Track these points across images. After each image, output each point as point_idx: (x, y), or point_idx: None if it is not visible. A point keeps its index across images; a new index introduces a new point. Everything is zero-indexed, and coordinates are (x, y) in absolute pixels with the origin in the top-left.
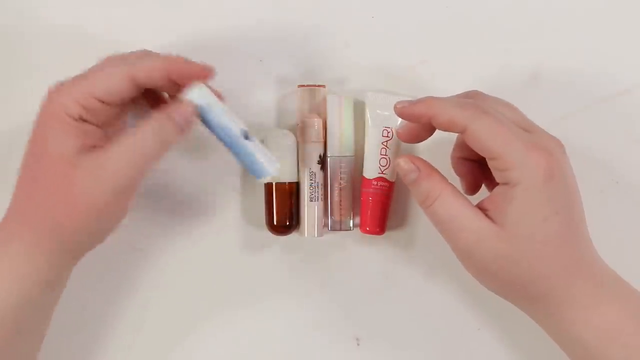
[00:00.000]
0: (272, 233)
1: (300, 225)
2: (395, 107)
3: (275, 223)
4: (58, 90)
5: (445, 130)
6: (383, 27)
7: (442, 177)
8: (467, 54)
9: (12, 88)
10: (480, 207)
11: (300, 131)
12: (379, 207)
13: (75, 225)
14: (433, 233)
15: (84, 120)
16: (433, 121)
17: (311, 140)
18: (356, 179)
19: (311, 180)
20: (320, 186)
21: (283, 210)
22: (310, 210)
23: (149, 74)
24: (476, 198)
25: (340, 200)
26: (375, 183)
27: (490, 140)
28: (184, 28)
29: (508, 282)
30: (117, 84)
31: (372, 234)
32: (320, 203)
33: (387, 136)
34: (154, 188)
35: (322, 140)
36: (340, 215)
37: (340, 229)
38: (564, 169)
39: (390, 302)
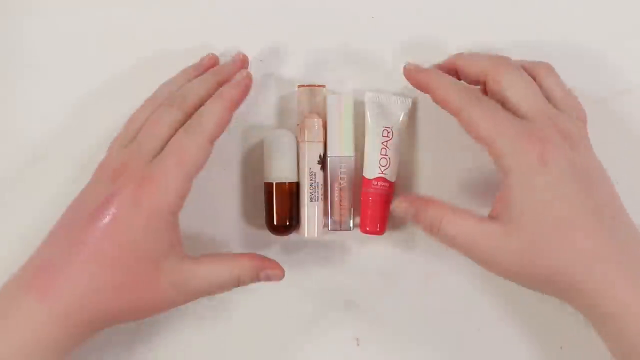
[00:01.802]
0: (272, 233)
1: (300, 226)
2: (404, 68)
3: (275, 223)
4: (154, 186)
5: (440, 106)
6: (383, 27)
7: (438, 202)
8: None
9: (12, 88)
10: (492, 212)
11: (300, 131)
12: (379, 207)
13: (133, 317)
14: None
15: (177, 214)
16: (431, 94)
17: (311, 140)
18: (356, 179)
19: (311, 180)
20: (320, 186)
21: (283, 211)
22: (310, 210)
23: (222, 128)
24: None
25: (340, 201)
26: (375, 183)
27: (480, 129)
28: (184, 28)
29: (534, 277)
30: (204, 158)
31: (372, 234)
32: (320, 203)
33: (387, 136)
34: None
35: (322, 140)
36: (340, 215)
37: (341, 229)
38: (562, 155)
39: (390, 302)
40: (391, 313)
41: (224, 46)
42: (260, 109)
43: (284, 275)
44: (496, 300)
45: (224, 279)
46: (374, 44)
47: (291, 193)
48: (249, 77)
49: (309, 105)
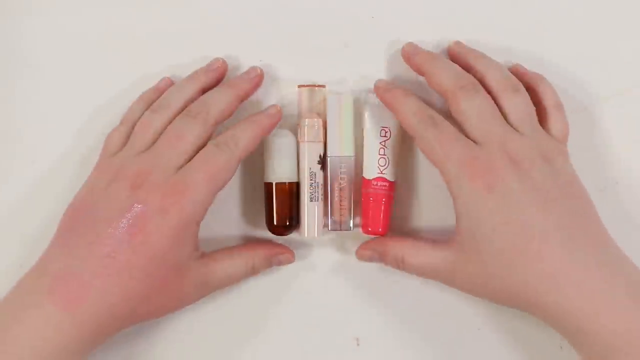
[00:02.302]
0: (272, 233)
1: (300, 226)
2: (375, 85)
3: (275, 223)
4: (181, 198)
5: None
6: (383, 27)
7: (398, 240)
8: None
9: (12, 88)
10: (452, 236)
11: (300, 131)
12: (380, 207)
13: (155, 316)
14: (433, 233)
15: (199, 222)
16: (394, 114)
17: (311, 140)
18: (356, 179)
19: (311, 180)
20: (320, 186)
21: (283, 211)
22: (310, 210)
23: (252, 149)
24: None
25: (340, 200)
26: (375, 183)
27: (432, 153)
28: (184, 28)
29: (496, 296)
30: (232, 174)
31: (374, 234)
32: (320, 203)
33: (385, 136)
34: None
35: (322, 140)
36: (341, 215)
37: (341, 229)
38: (511, 179)
39: (390, 302)
40: (391, 313)
41: (224, 46)
42: (261, 109)
43: (294, 259)
44: None
45: (240, 272)
46: (374, 44)
47: (291, 193)
48: (280, 113)
49: (309, 105)
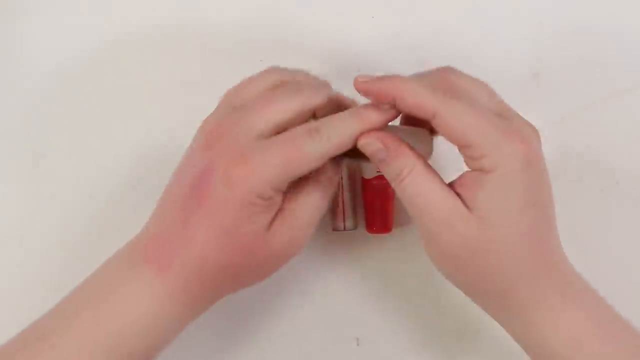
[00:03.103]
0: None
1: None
2: (355, 82)
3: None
4: (249, 174)
5: (411, 113)
6: (383, 27)
7: (413, 151)
8: (467, 54)
9: (12, 87)
10: (456, 188)
11: None
12: (382, 205)
13: (261, 279)
14: None
15: (273, 197)
16: (398, 103)
17: None
18: (357, 179)
19: None
20: None
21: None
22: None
23: (345, 149)
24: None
25: (342, 200)
26: (375, 182)
27: (462, 128)
28: (184, 28)
29: (472, 270)
30: (315, 168)
31: (380, 233)
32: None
33: None
34: (154, 189)
35: None
36: (343, 215)
37: (344, 229)
38: (540, 160)
39: (390, 302)
40: (391, 313)
41: (224, 45)
42: None
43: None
44: None
45: (321, 194)
46: (374, 44)
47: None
48: (394, 111)
49: None
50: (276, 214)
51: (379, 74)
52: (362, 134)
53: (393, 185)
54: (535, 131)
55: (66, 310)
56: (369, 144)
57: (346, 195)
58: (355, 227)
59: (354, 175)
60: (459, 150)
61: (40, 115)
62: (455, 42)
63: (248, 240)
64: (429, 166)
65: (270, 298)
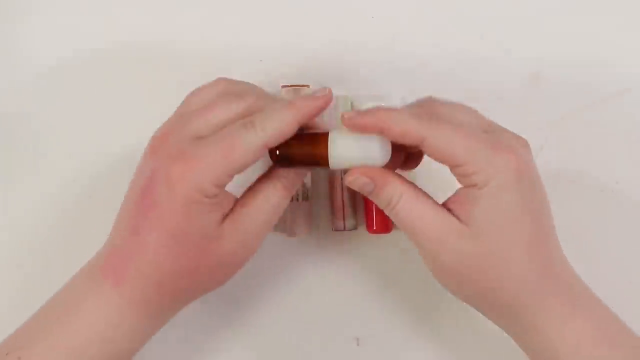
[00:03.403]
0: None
1: (287, 226)
2: (342, 118)
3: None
4: (188, 172)
5: (400, 142)
6: (383, 27)
7: (400, 179)
8: (467, 54)
9: (12, 87)
10: (450, 207)
11: None
12: None
13: (215, 285)
14: None
15: (217, 194)
16: (386, 133)
17: None
18: None
19: None
20: (306, 185)
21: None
22: (298, 210)
23: (283, 137)
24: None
25: (343, 200)
26: None
27: (451, 149)
28: (184, 27)
29: (475, 285)
30: (252, 159)
31: (380, 232)
32: (308, 202)
33: None
34: None
35: None
36: (344, 215)
37: (345, 229)
38: (532, 170)
39: (390, 302)
40: (391, 313)
41: (224, 46)
42: None
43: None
44: None
45: (275, 200)
46: (374, 44)
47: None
48: (327, 97)
49: None
50: (227, 216)
51: (367, 107)
52: (350, 173)
53: (387, 213)
54: (524, 142)
55: (32, 327)
56: (355, 180)
57: (346, 195)
58: (355, 227)
59: None
60: (451, 170)
61: (40, 115)
62: (455, 42)
63: (198, 241)
64: (418, 190)
65: (271, 298)
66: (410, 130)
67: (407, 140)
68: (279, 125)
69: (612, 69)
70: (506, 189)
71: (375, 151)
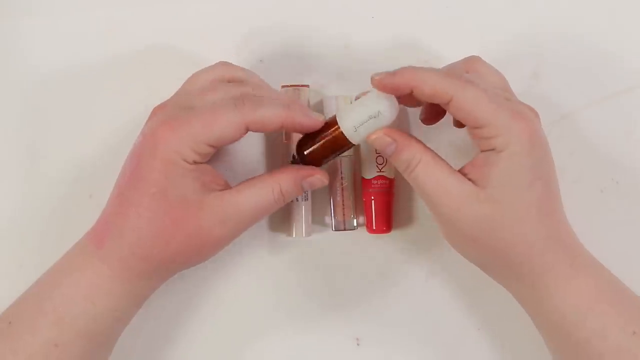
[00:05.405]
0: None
1: (289, 226)
2: (372, 80)
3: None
4: (170, 134)
5: (428, 100)
6: (383, 27)
7: (420, 144)
8: (467, 54)
9: (12, 87)
10: (462, 172)
11: (285, 132)
12: (383, 205)
13: (190, 260)
14: (434, 232)
15: (198, 163)
16: (415, 92)
17: (291, 140)
18: (357, 178)
19: None
20: None
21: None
22: (298, 210)
23: (263, 127)
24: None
25: (343, 200)
26: (375, 182)
27: (476, 110)
28: (184, 27)
29: (488, 247)
30: (231, 134)
31: (380, 232)
32: (308, 203)
33: None
34: None
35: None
36: (344, 215)
37: (345, 229)
38: (543, 138)
39: (390, 302)
40: (391, 313)
41: (224, 46)
42: None
43: (327, 181)
44: (496, 299)
45: (267, 200)
46: (374, 44)
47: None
48: (317, 125)
49: None
50: (216, 192)
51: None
52: (373, 133)
53: (405, 176)
54: (536, 113)
55: (25, 295)
56: (378, 139)
57: (346, 195)
58: (355, 227)
59: (354, 176)
60: (470, 132)
61: (40, 115)
62: (455, 42)
63: (176, 204)
64: (436, 155)
65: (271, 298)
66: (439, 89)
67: (436, 99)
68: (266, 114)
69: (613, 69)
70: (522, 154)
71: (383, 108)
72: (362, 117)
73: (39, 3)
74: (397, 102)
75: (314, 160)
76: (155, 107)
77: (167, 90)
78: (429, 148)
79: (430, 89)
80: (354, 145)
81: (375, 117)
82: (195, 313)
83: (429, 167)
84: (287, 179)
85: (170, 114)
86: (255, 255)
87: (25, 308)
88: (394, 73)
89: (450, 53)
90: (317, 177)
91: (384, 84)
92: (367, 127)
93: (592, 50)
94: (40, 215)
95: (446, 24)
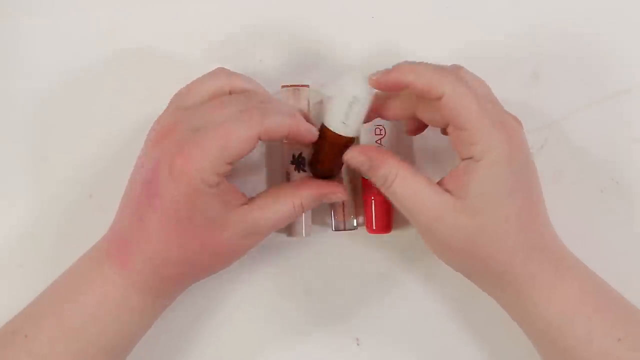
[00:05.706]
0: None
1: (288, 227)
2: (370, 80)
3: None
4: (190, 164)
5: (421, 96)
6: (383, 27)
7: (396, 159)
8: (467, 54)
9: (11, 87)
10: (440, 184)
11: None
12: (383, 205)
13: (209, 274)
14: None
15: (219, 183)
16: (410, 87)
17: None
18: (357, 179)
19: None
20: None
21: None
22: None
23: (273, 136)
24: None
25: (343, 201)
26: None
27: (465, 111)
28: (184, 28)
29: (470, 257)
30: (247, 148)
31: (380, 233)
32: None
33: (380, 134)
34: None
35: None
36: (344, 215)
37: (345, 229)
38: (525, 149)
39: (390, 302)
40: (391, 313)
41: (223, 45)
42: None
43: (346, 196)
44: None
45: (288, 214)
46: (374, 44)
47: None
48: (312, 139)
49: (293, 105)
50: (238, 207)
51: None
52: (347, 152)
53: (383, 191)
54: (519, 122)
55: (38, 307)
56: (353, 158)
57: (347, 194)
58: (355, 227)
59: (354, 176)
60: (452, 135)
61: (40, 116)
62: (455, 42)
63: (202, 229)
64: (413, 169)
65: (271, 298)
66: (434, 84)
67: (429, 94)
68: (274, 124)
69: (612, 69)
70: (500, 163)
71: (355, 90)
72: (343, 108)
73: (39, 3)
74: (365, 76)
75: (327, 171)
76: (156, 131)
77: (167, 90)
78: (406, 162)
79: (425, 83)
80: (353, 138)
81: (354, 102)
82: (193, 312)
83: (406, 181)
84: (310, 196)
85: (183, 138)
86: (255, 255)
87: (41, 322)
88: (388, 70)
89: (450, 53)
90: (338, 195)
91: (380, 82)
92: (354, 115)
93: (592, 50)
94: (41, 215)
95: (446, 25)
